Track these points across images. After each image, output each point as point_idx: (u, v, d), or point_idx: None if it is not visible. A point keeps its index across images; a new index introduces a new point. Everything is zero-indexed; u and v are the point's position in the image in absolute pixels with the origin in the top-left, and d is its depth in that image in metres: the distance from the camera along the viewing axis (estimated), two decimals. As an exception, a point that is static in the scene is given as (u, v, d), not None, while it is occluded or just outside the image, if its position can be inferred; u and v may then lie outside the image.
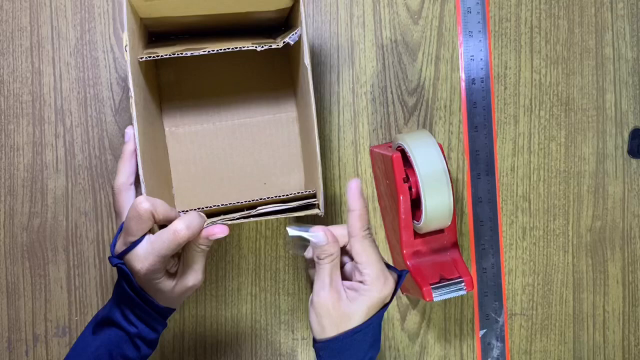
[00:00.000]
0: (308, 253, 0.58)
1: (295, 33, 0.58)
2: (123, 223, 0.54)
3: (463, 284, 0.64)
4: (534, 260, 0.76)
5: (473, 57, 0.75)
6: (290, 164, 0.70)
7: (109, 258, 0.54)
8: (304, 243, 0.58)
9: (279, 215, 0.58)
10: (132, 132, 0.55)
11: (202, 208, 0.57)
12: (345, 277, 0.55)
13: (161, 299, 0.55)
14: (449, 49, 0.74)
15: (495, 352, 0.75)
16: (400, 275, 0.54)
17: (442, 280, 0.64)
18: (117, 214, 0.57)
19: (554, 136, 0.76)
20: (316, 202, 0.59)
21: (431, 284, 0.63)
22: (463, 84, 0.74)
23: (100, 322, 0.55)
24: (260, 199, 0.58)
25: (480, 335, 0.75)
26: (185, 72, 0.69)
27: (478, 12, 0.75)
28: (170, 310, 0.56)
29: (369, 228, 0.52)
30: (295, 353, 0.72)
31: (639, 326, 0.77)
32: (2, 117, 0.69)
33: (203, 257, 0.56)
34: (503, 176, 0.75)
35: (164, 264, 0.53)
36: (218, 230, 0.54)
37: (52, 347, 0.70)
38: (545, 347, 0.76)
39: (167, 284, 0.54)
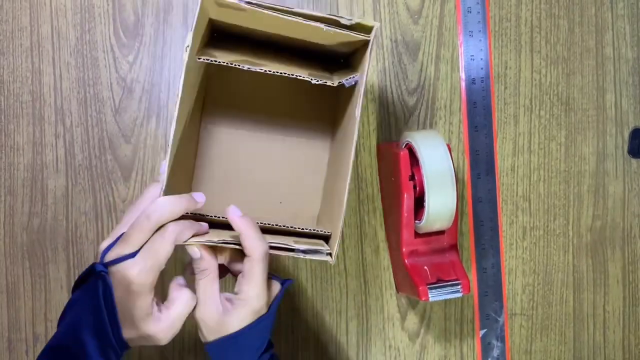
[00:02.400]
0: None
1: (353, 77, 0.56)
2: (123, 234, 0.51)
3: (460, 286, 0.64)
4: (534, 260, 0.76)
5: (473, 57, 0.75)
6: (310, 191, 0.70)
7: (95, 264, 0.50)
8: None
9: (287, 253, 0.55)
10: (165, 167, 0.53)
11: (211, 216, 0.56)
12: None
13: (131, 327, 0.51)
14: (449, 48, 0.74)
15: (496, 352, 0.75)
16: (281, 287, 0.55)
17: (439, 281, 0.64)
18: (124, 223, 0.54)
19: (554, 136, 0.76)
20: (328, 251, 0.55)
21: (428, 284, 0.63)
22: (463, 84, 0.74)
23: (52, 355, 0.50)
24: (269, 224, 0.56)
25: (480, 335, 0.75)
26: (235, 76, 0.69)
27: (478, 12, 0.74)
28: (125, 346, 0.52)
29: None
30: (296, 353, 0.72)
31: (639, 326, 0.77)
32: (2, 116, 0.69)
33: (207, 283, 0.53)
34: (503, 176, 0.75)
35: (158, 274, 0.51)
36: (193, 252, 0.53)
37: (52, 347, 0.70)
38: (546, 346, 0.76)
39: (150, 314, 0.51)
